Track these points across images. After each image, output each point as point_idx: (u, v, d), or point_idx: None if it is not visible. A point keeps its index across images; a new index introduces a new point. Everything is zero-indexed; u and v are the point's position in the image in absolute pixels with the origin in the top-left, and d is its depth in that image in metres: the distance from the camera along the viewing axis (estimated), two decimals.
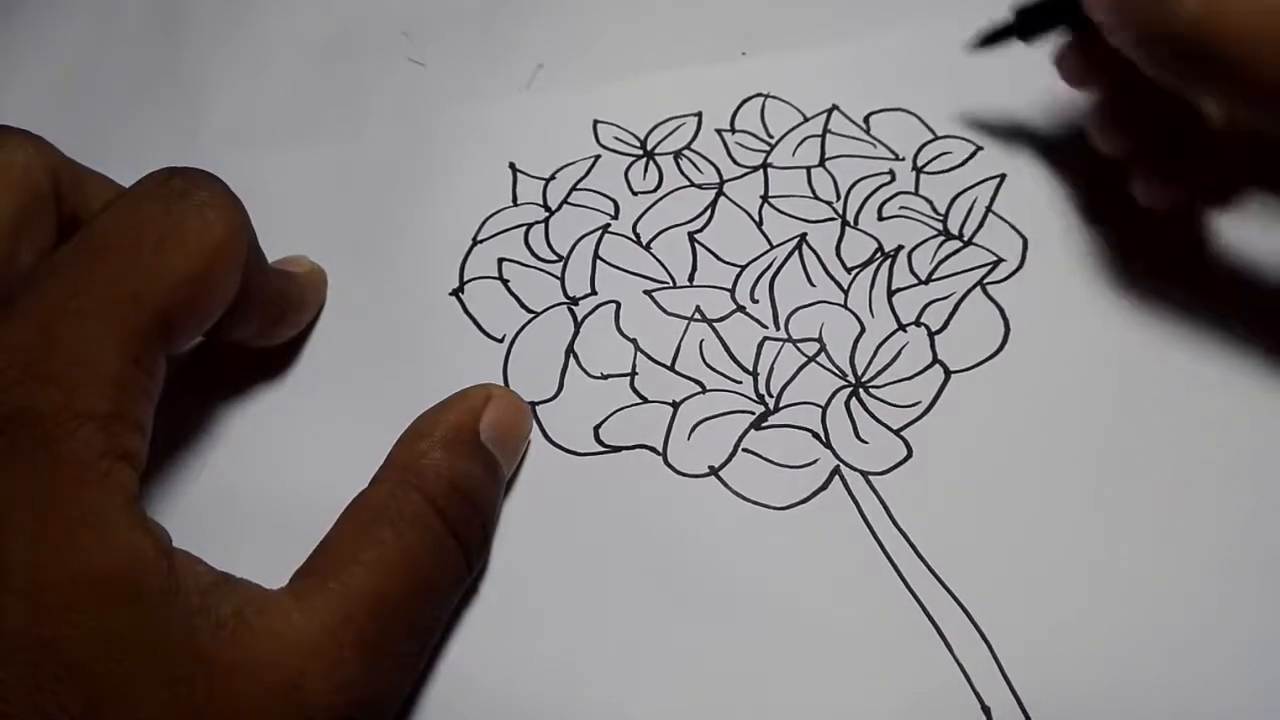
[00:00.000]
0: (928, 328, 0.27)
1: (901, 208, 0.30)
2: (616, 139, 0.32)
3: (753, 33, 0.34)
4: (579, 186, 0.31)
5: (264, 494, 0.26)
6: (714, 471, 0.25)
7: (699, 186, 0.31)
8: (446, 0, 0.37)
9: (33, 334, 0.19)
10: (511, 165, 0.32)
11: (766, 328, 0.28)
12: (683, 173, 0.31)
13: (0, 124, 0.24)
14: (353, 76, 0.36)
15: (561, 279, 0.29)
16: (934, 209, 0.29)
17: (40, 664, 0.17)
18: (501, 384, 0.27)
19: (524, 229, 0.30)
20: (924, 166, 0.30)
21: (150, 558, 0.18)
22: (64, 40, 0.38)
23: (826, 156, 0.31)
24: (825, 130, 0.31)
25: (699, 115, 0.32)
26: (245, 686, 0.18)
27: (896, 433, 0.25)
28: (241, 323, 0.25)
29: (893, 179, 0.30)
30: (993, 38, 0.29)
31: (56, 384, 0.19)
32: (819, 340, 0.27)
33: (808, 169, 0.31)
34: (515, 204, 0.31)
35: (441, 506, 0.22)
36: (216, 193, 0.22)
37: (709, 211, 0.30)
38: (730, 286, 0.28)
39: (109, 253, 0.20)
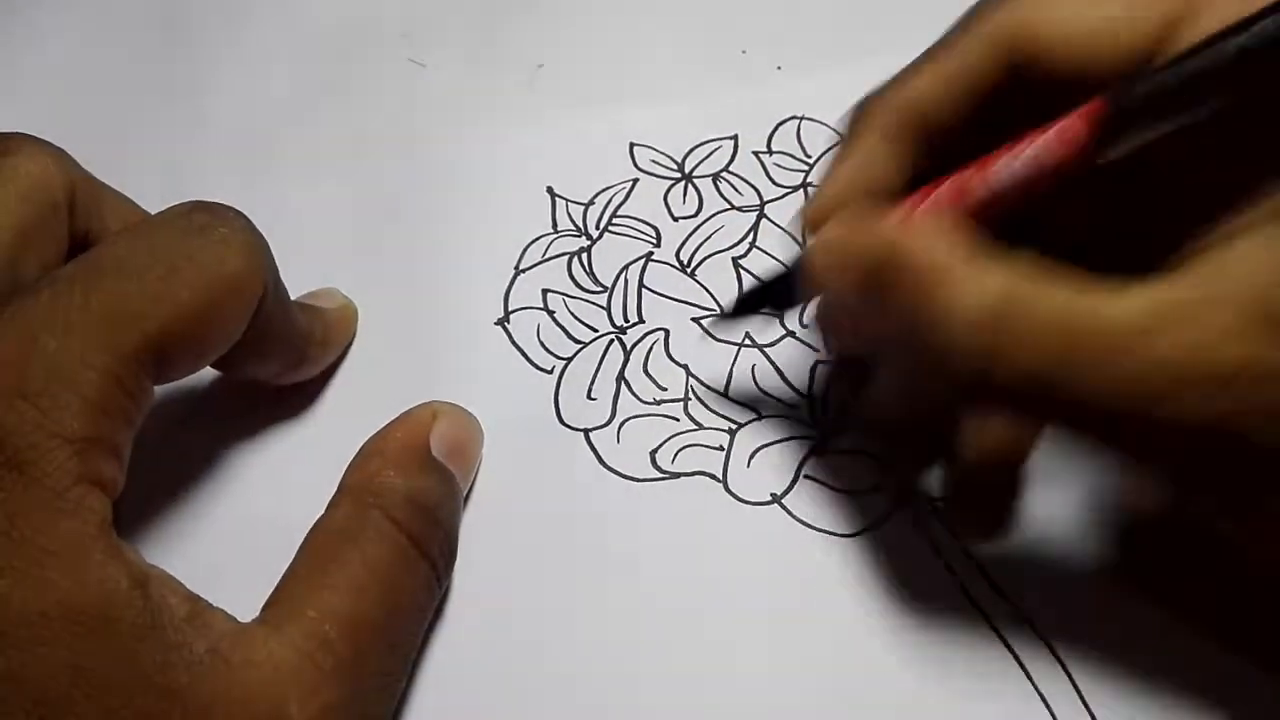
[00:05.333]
0: None
1: None
2: (654, 162, 0.32)
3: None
4: (620, 212, 0.31)
5: (284, 532, 0.23)
6: (777, 499, 0.25)
7: (739, 209, 0.31)
8: (446, 1, 0.38)
9: (13, 345, 0.18)
10: (550, 190, 0.32)
11: (818, 351, 0.28)
12: (722, 195, 0.31)
13: (22, 134, 0.23)
14: (353, 77, 0.36)
15: (607, 308, 0.29)
16: None
17: (7, 697, 0.17)
18: (553, 415, 0.27)
19: (566, 258, 0.30)
20: None
21: (124, 591, 0.18)
22: (64, 40, 0.38)
23: None
24: None
25: (735, 138, 0.32)
26: None
27: None
28: (258, 363, 0.25)
29: None
30: (745, 307, 0.26)
31: (32, 400, 0.18)
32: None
33: None
34: (555, 230, 0.31)
35: (402, 521, 0.22)
36: (238, 230, 0.22)
37: (751, 234, 0.30)
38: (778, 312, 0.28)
39: (112, 273, 0.20)
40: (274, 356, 0.25)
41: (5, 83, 0.37)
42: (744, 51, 0.34)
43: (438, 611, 0.24)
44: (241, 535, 0.26)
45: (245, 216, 0.23)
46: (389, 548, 0.21)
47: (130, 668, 0.17)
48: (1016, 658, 0.23)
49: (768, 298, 0.26)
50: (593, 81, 0.34)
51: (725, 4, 0.36)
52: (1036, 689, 0.22)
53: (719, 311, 0.28)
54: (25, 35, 0.38)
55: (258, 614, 0.20)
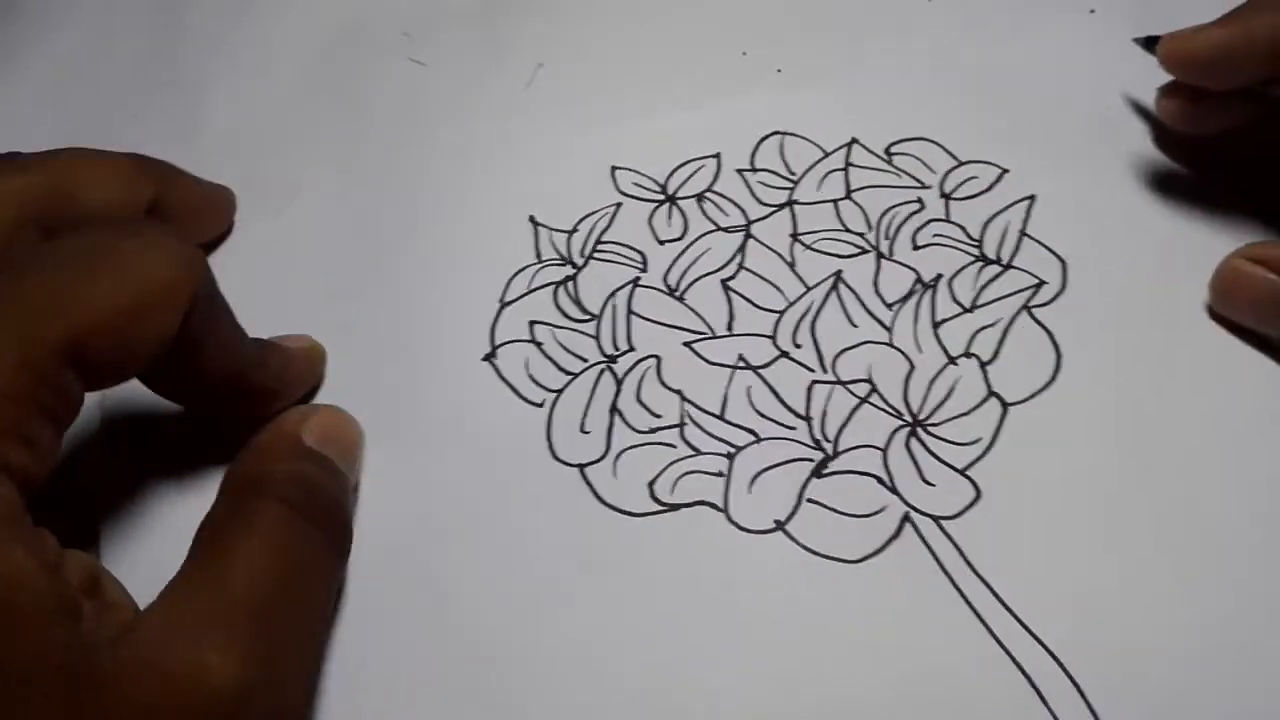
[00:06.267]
0: (978, 358, 0.27)
1: (935, 235, 0.29)
2: (636, 185, 0.32)
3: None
4: (604, 239, 0.30)
5: None
6: (780, 526, 0.25)
7: (725, 230, 0.30)
8: (446, 0, 0.38)
9: None
10: (532, 219, 0.31)
11: (813, 371, 0.27)
12: (707, 216, 0.31)
13: None
14: (353, 77, 0.36)
15: (596, 337, 0.29)
16: (968, 235, 0.29)
17: None
18: (545, 450, 0.27)
19: (552, 288, 0.30)
20: (952, 193, 0.30)
21: (28, 574, 0.18)
22: (64, 40, 0.38)
23: (852, 189, 0.31)
24: (847, 163, 0.31)
25: (718, 156, 0.32)
26: (140, 694, 0.18)
27: (962, 472, 0.25)
28: (201, 388, 0.24)
29: (922, 207, 0.30)
30: None
31: None
32: (869, 380, 0.27)
33: (835, 203, 0.30)
34: (539, 260, 0.30)
35: (280, 495, 0.22)
36: (171, 239, 0.22)
37: (739, 255, 0.30)
38: (771, 333, 0.28)
39: (35, 268, 0.20)
40: (213, 379, 0.24)
41: (5, 82, 0.37)
42: (744, 53, 0.34)
43: (436, 649, 0.23)
44: None
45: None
46: (274, 519, 0.21)
47: (34, 651, 0.17)
48: (1030, 680, 0.22)
49: None
50: (593, 81, 0.34)
51: (727, 5, 0.35)
52: (1051, 712, 0.22)
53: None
54: (25, 35, 0.38)
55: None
